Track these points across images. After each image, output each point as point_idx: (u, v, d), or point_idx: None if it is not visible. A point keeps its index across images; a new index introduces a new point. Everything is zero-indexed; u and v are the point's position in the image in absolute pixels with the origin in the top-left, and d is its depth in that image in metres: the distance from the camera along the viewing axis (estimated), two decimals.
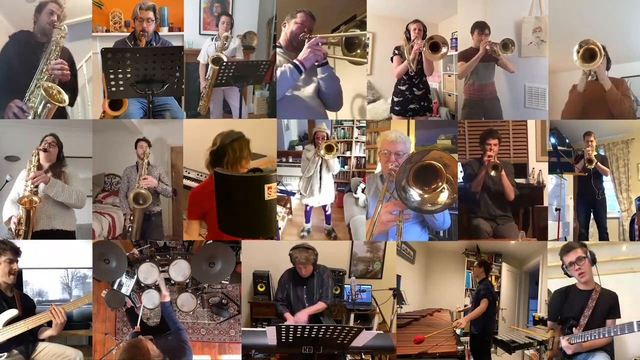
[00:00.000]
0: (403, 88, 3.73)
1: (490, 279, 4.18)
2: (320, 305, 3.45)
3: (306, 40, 3.35)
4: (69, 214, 3.56)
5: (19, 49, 3.52)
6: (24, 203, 3.39)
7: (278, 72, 3.34)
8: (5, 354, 3.05)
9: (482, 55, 3.69)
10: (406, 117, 3.75)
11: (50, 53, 3.44)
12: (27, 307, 3.21)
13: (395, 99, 3.76)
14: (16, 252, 3.20)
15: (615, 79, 3.48)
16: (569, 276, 3.10)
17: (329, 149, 3.83)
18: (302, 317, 3.38)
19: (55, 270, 3.77)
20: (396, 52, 3.73)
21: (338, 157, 4.33)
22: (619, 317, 2.92)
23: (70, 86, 3.54)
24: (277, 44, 3.50)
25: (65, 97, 3.42)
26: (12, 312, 3.09)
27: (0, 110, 3.46)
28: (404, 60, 3.70)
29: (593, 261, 3.02)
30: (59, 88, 3.41)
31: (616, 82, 3.48)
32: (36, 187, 3.44)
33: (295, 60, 3.33)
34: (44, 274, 3.76)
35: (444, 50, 3.57)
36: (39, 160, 3.49)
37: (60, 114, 3.51)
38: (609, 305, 2.90)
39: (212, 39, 3.98)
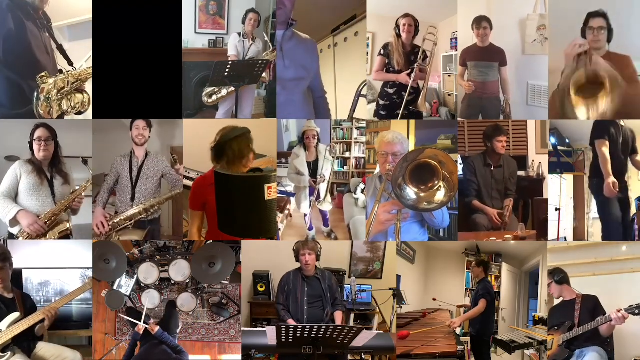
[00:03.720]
0: (391, 91, 3.62)
1: (490, 278, 4.18)
2: (340, 317, 3.49)
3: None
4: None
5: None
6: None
7: None
8: (9, 352, 3.10)
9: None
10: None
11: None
12: (28, 309, 3.27)
13: (382, 102, 3.63)
14: (5, 258, 3.23)
15: (619, 55, 3.33)
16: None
17: None
18: None
19: (76, 269, 3.75)
20: (382, 51, 3.63)
21: (337, 157, 4.29)
22: (604, 313, 3.16)
23: None
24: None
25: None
26: (14, 315, 3.17)
27: None
28: (388, 62, 3.62)
29: (561, 282, 3.38)
30: None
31: (620, 63, 3.28)
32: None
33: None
34: (65, 273, 3.74)
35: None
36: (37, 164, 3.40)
37: None
38: (592, 306, 3.24)
39: (240, 34, 3.85)
